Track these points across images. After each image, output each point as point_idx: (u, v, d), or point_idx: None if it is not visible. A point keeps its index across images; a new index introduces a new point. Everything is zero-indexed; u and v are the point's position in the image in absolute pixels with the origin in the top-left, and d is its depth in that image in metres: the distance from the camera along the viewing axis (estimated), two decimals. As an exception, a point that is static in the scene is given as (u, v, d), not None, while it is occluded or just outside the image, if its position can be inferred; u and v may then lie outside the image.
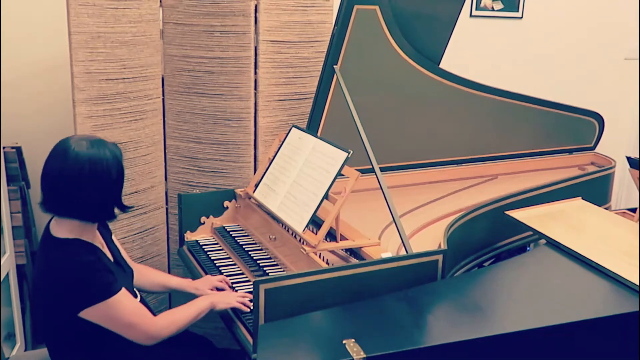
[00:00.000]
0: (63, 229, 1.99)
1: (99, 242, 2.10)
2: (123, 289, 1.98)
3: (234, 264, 2.60)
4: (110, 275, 1.97)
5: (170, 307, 3.34)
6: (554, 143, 3.61)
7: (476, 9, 4.03)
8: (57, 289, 1.94)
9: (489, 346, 1.80)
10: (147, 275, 2.45)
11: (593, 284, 2.13)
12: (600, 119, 3.64)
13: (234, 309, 2.23)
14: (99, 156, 1.94)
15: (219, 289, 2.39)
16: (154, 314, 2.12)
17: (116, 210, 2.06)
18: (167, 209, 3.25)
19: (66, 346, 2.05)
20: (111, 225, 2.31)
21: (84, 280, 1.91)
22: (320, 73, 2.84)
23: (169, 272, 3.26)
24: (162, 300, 3.30)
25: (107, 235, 2.22)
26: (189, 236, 2.87)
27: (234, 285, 2.41)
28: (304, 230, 2.32)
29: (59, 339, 2.05)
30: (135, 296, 2.15)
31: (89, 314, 1.93)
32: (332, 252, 2.39)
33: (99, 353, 2.04)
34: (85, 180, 1.92)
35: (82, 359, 2.05)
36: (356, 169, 2.34)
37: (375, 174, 2.36)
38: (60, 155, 1.94)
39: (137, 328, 1.99)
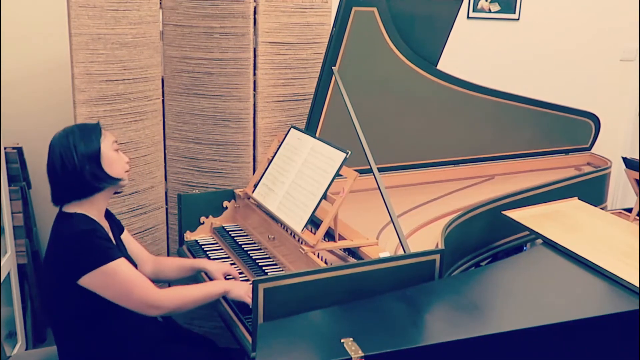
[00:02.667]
0: (73, 205, 2.09)
1: (105, 225, 2.17)
2: (122, 258, 2.02)
3: (233, 264, 2.61)
4: (109, 243, 2.03)
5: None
6: (551, 144, 3.62)
7: (473, 11, 4.05)
8: (58, 257, 2.01)
9: (486, 345, 1.81)
10: (165, 264, 2.50)
11: (589, 283, 2.14)
12: (596, 120, 3.65)
13: (233, 309, 2.24)
14: (65, 144, 2.06)
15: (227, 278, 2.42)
16: None
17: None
18: (167, 209, 3.27)
19: (69, 324, 2.08)
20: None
21: (82, 247, 1.97)
22: (318, 74, 2.85)
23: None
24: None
25: (116, 231, 2.28)
26: (189, 236, 2.89)
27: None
28: (302, 230, 2.33)
29: (63, 315, 2.08)
30: None
31: (88, 281, 1.96)
32: (331, 251, 2.41)
33: (102, 335, 2.07)
34: (60, 169, 2.04)
35: (85, 342, 2.08)
36: (354, 170, 2.35)
37: (374, 174, 2.37)
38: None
39: (135, 295, 2.01)
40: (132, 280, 2.01)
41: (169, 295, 2.08)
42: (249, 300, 2.19)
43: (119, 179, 2.14)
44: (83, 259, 1.97)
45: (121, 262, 2.01)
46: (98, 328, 2.06)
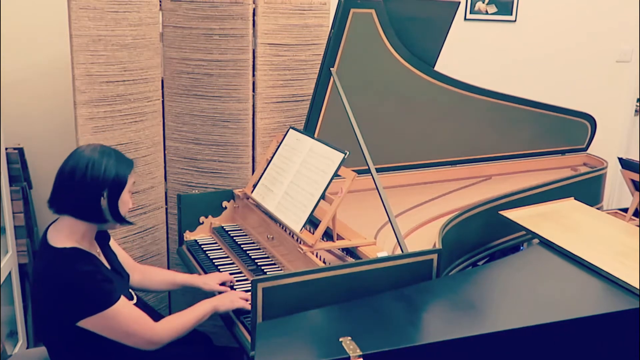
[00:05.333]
0: (61, 236, 2.01)
1: (95, 250, 2.12)
2: (122, 298, 1.99)
3: (233, 263, 2.63)
4: (109, 285, 1.98)
5: (169, 305, 3.37)
6: (547, 144, 3.64)
7: (470, 13, 4.07)
8: (55, 298, 1.95)
9: (483, 344, 1.82)
10: (153, 275, 2.48)
11: (585, 283, 2.16)
12: (592, 121, 3.67)
13: (234, 310, 2.25)
14: (98, 160, 1.99)
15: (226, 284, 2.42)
16: (156, 314, 2.15)
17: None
18: (166, 209, 3.28)
19: (65, 350, 2.06)
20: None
21: (82, 291, 1.93)
22: (317, 75, 2.86)
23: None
24: (161, 299, 3.33)
25: (103, 241, 2.23)
26: (188, 236, 2.90)
27: (232, 284, 2.45)
28: (301, 229, 2.34)
29: (58, 344, 2.06)
30: (132, 298, 2.16)
31: (87, 323, 1.94)
32: (329, 251, 2.42)
33: (98, 356, 2.06)
34: (78, 178, 1.97)
35: (81, 344, 2.05)
36: (352, 170, 2.37)
37: (371, 175, 2.39)
38: (70, 154, 2.02)
39: (137, 336, 2.00)
40: (132, 322, 2.00)
41: (166, 330, 2.07)
42: (243, 304, 2.20)
43: (122, 221, 2.11)
44: (84, 304, 1.93)
45: (121, 303, 1.98)
46: (95, 345, 2.03)
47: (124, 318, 1.98)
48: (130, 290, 2.23)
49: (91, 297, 1.93)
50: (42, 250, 2.05)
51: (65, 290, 1.93)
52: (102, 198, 2.01)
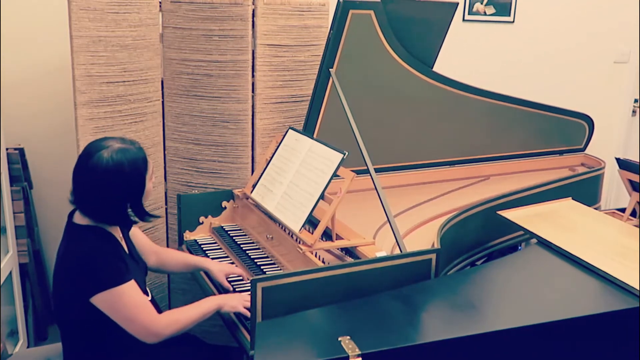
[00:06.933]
0: (84, 218, 2.07)
1: (117, 234, 2.16)
2: (132, 281, 2.02)
3: (232, 263, 2.63)
4: (123, 265, 2.02)
5: (169, 305, 3.38)
6: (545, 144, 3.64)
7: (469, 14, 4.08)
8: (71, 272, 2.00)
9: (481, 343, 1.83)
10: (167, 256, 2.53)
11: (583, 282, 2.16)
12: (590, 121, 3.68)
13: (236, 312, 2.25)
14: (115, 163, 1.99)
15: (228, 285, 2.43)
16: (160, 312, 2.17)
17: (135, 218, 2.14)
18: (166, 209, 3.29)
19: (76, 331, 2.09)
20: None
21: (96, 265, 1.97)
22: (316, 76, 2.88)
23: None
24: (161, 299, 3.33)
25: (125, 230, 2.27)
26: (188, 236, 2.91)
27: (232, 283, 2.44)
28: (300, 229, 2.35)
29: (70, 323, 2.10)
30: (147, 294, 2.18)
31: (98, 300, 1.97)
32: (328, 251, 2.43)
33: (106, 342, 2.08)
34: (97, 183, 1.99)
35: (91, 346, 2.10)
36: (351, 170, 2.38)
37: (370, 175, 2.40)
38: (86, 153, 2.03)
39: (138, 322, 2.01)
40: (137, 306, 2.01)
41: (168, 323, 2.07)
42: (244, 310, 2.18)
43: (146, 216, 2.13)
44: (95, 279, 1.96)
45: (131, 285, 2.01)
46: (99, 335, 2.06)
47: (129, 300, 1.99)
48: (147, 287, 2.25)
49: (103, 273, 1.97)
50: (66, 229, 2.10)
51: (80, 264, 1.98)
52: (125, 205, 2.05)
